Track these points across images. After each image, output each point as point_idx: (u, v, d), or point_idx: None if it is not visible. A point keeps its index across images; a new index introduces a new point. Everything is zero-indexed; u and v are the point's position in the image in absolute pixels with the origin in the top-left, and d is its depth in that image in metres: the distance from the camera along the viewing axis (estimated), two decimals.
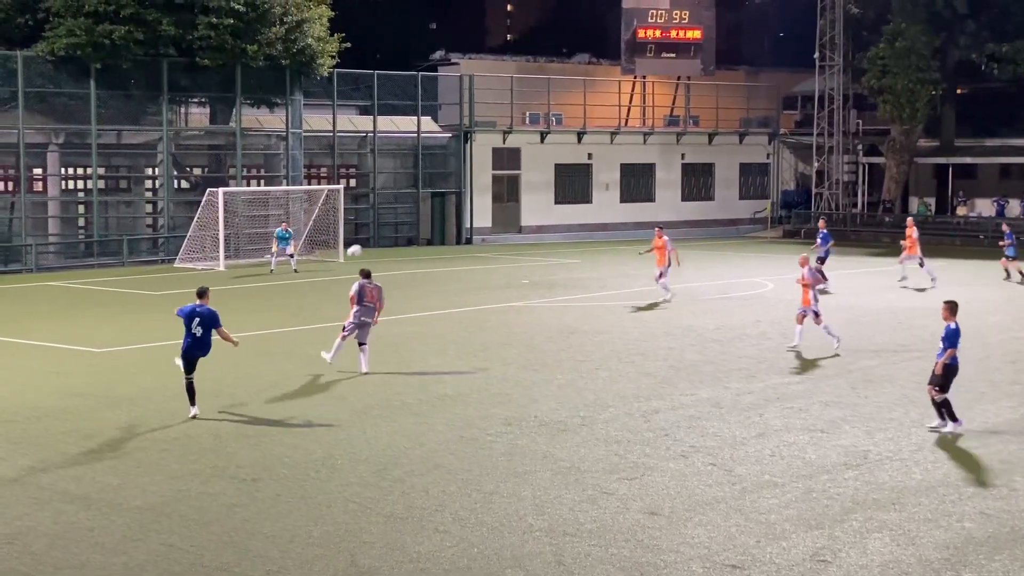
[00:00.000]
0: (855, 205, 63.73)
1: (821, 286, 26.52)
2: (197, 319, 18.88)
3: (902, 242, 38.81)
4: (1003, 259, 38.95)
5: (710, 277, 40.53)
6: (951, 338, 17.95)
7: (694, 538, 13.23)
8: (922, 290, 35.58)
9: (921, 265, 37.92)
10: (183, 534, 13.29)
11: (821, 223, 40.22)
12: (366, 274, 23.32)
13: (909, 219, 41.77)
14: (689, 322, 29.52)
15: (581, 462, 16.30)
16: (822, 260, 37.34)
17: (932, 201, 63.00)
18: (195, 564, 12.39)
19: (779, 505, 14.43)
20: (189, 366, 19.02)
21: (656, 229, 34.89)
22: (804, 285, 25.74)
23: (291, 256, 42.09)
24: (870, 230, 59.78)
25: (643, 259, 37.40)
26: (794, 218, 63.38)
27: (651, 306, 32.51)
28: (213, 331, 19.07)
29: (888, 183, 62.00)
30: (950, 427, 18.13)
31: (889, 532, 13.48)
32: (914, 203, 62.89)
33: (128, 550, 12.78)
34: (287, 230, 42.71)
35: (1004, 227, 40.24)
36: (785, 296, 35.06)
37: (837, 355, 24.78)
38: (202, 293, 19.29)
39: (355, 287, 23.00)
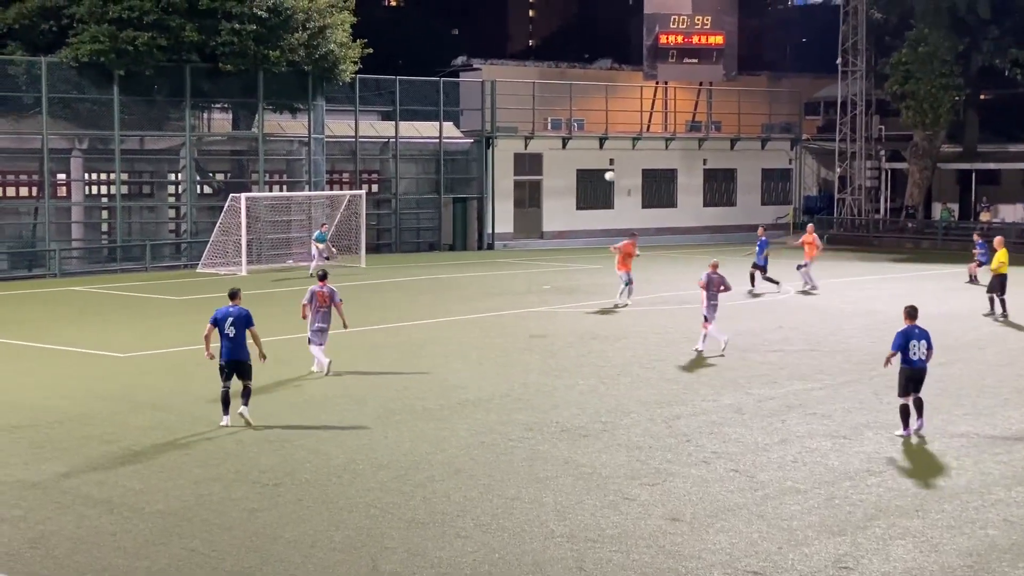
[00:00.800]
0: (878, 211, 63.50)
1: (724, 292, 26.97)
2: (230, 319, 18.87)
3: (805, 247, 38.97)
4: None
5: (731, 283, 40.29)
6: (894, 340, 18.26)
7: (716, 544, 13.19)
8: (807, 292, 36.78)
9: (799, 268, 38.38)
10: (205, 538, 13.32)
11: (760, 231, 39.77)
12: (320, 276, 23.61)
13: (810, 225, 41.71)
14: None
15: (603, 468, 16.28)
16: (762, 268, 37.78)
17: (955, 207, 62.71)
18: (217, 568, 12.41)
19: (801, 511, 14.38)
20: (226, 373, 18.90)
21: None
22: (702, 287, 26.38)
23: (327, 259, 42.19)
24: (892, 236, 59.56)
25: (667, 264, 37.38)
26: (816, 224, 63.07)
27: (671, 313, 32.46)
28: (247, 332, 19.02)
29: (911, 189, 61.75)
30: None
31: (912, 539, 13.42)
32: (937, 209, 62.63)
33: (150, 554, 12.81)
34: (325, 232, 43.09)
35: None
36: (808, 301, 34.99)
37: (723, 355, 25.23)
38: (234, 295, 19.40)
39: (308, 293, 23.18)
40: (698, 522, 13.96)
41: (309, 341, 23.30)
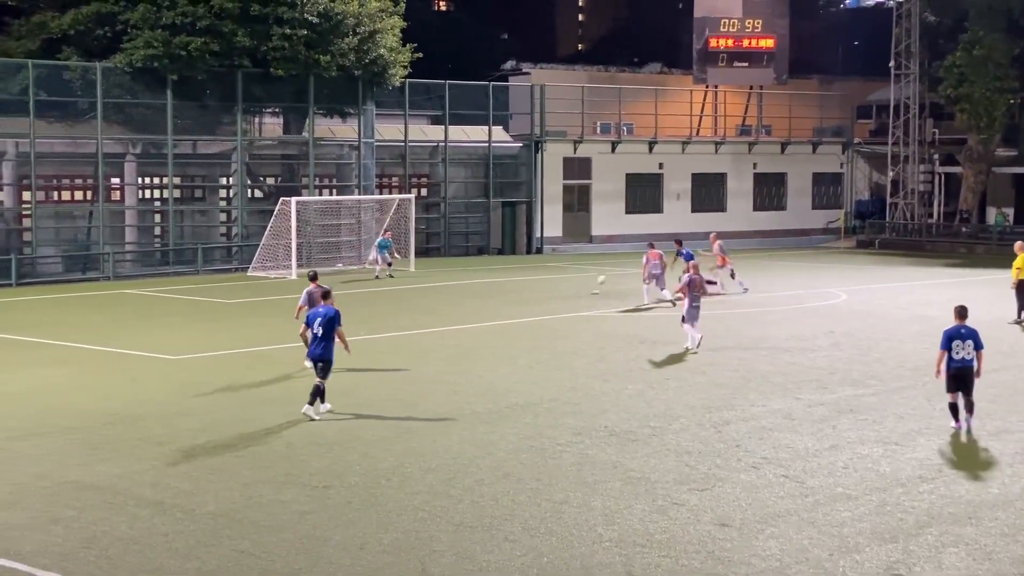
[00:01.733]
0: (931, 215, 62.95)
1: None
2: (319, 319, 19.71)
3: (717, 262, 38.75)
4: None
5: (782, 287, 40.24)
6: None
7: (766, 551, 13.13)
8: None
9: (732, 276, 38.29)
10: (255, 540, 13.41)
11: (676, 243, 38.92)
12: (312, 278, 24.40)
13: (713, 234, 41.22)
14: (760, 332, 29.32)
15: (651, 472, 16.24)
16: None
17: (1010, 211, 62.04)
18: (267, 570, 12.49)
19: (852, 518, 14.28)
20: (317, 368, 19.76)
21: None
22: (682, 291, 27.05)
23: (389, 264, 42.71)
24: (946, 241, 59.05)
25: (707, 269, 37.28)
26: (868, 228, 62.71)
27: (720, 317, 32.34)
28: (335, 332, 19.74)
29: (965, 193, 61.19)
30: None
31: (965, 547, 13.29)
32: (991, 213, 62.00)
33: (201, 555, 12.91)
34: (389, 238, 43.31)
35: None
36: (858, 307, 34.75)
37: (695, 353, 25.69)
38: (326, 295, 20.38)
39: (303, 295, 23.95)
40: (748, 528, 13.89)
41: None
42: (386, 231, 45.25)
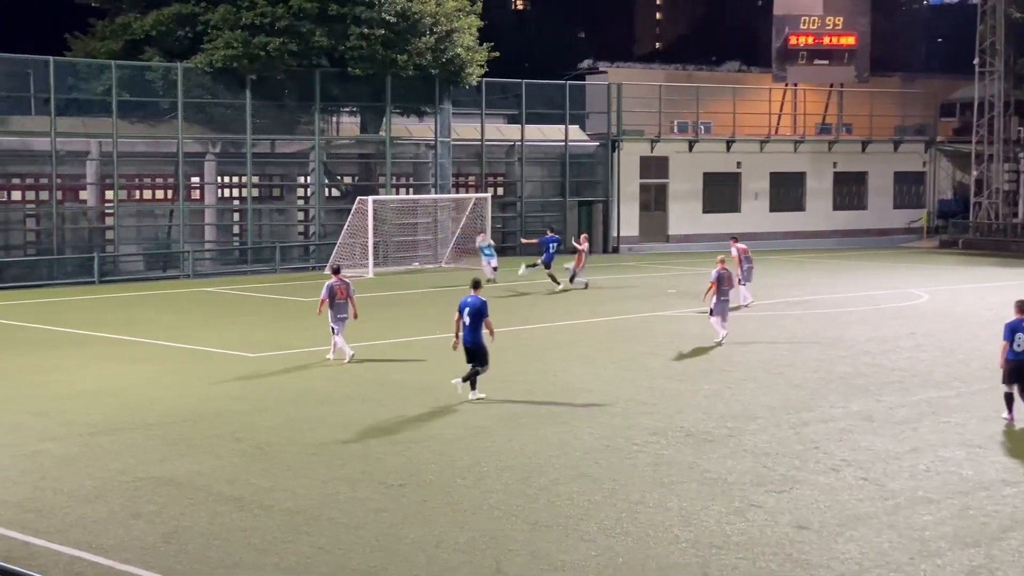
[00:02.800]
0: (1015, 215, 61.91)
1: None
2: (467, 308, 20.60)
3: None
4: None
5: (862, 288, 39.77)
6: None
7: (845, 554, 12.96)
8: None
9: (572, 279, 38.64)
10: (332, 537, 13.47)
11: (549, 231, 39.94)
12: (335, 271, 25.65)
13: (583, 236, 41.82)
14: (839, 333, 29.00)
15: (728, 474, 16.11)
16: (546, 264, 38.88)
17: None
18: (343, 567, 12.54)
19: (934, 522, 14.06)
20: (467, 355, 20.66)
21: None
22: (712, 285, 27.33)
23: (494, 269, 40.77)
24: None
25: (795, 268, 36.90)
26: (951, 228, 61.82)
27: (799, 317, 32.02)
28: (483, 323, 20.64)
29: None
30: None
31: None
32: None
33: (279, 551, 13.00)
34: (490, 244, 42.13)
35: None
36: (941, 308, 34.26)
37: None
38: (476, 284, 21.16)
39: (325, 288, 24.89)
40: (826, 531, 13.73)
41: (333, 331, 24.84)
42: (480, 233, 44.61)
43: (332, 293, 24.71)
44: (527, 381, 22.71)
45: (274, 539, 13.40)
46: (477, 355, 20.64)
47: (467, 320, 20.56)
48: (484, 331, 20.74)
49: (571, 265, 39.34)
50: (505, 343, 27.46)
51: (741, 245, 34.77)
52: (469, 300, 20.71)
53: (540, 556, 12.83)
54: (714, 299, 27.23)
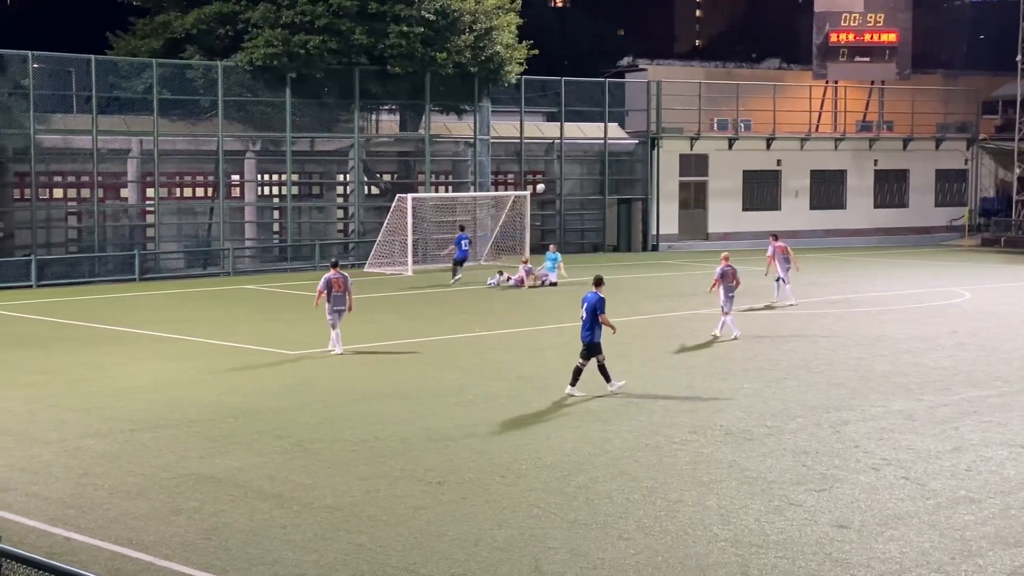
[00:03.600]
0: None
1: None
2: (585, 304, 21.12)
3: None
4: None
5: (903, 286, 39.52)
6: None
7: (885, 553, 12.88)
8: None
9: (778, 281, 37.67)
10: (371, 534, 13.51)
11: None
12: (333, 264, 26.49)
13: (524, 261, 41.50)
14: (880, 332, 28.83)
15: (768, 472, 16.04)
16: (459, 263, 40.99)
17: None
18: (383, 564, 12.57)
19: (975, 522, 13.95)
20: (584, 350, 21.07)
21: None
22: (717, 281, 27.92)
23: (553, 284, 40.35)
24: None
25: (836, 266, 36.70)
26: (993, 226, 61.31)
27: (839, 316, 31.84)
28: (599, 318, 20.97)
29: None
30: None
31: None
32: None
33: (319, 548, 13.04)
34: (555, 252, 41.59)
35: None
36: (983, 306, 34.00)
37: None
38: (597, 282, 21.46)
39: (323, 281, 25.72)
40: (867, 530, 13.65)
41: (332, 325, 25.57)
42: (551, 245, 43.39)
43: (329, 286, 25.49)
44: (566, 379, 22.67)
45: (314, 536, 13.45)
46: (592, 348, 21.04)
47: (583, 315, 21.17)
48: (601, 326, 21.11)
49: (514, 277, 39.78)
50: (544, 341, 27.50)
51: (780, 244, 34.40)
52: (588, 296, 21.19)
53: (579, 554, 12.82)
54: (722, 296, 27.64)
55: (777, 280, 34.36)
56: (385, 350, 26.43)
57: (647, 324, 30.49)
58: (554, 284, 39.92)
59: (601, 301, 21.06)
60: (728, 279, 27.67)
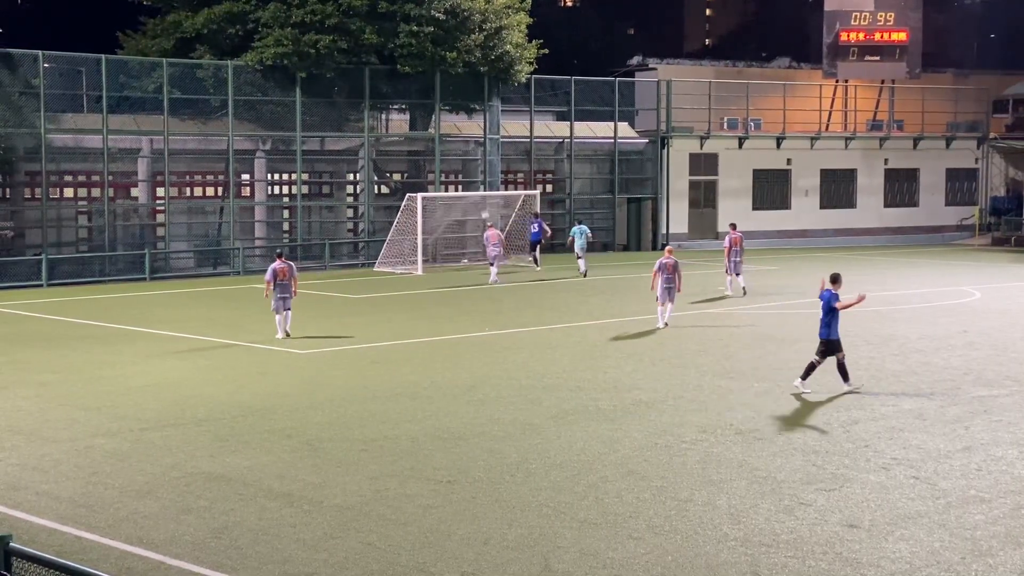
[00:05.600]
0: None
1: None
2: (822, 302, 21.43)
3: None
4: None
5: (913, 285, 39.45)
6: None
7: (895, 553, 12.86)
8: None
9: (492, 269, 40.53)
10: (381, 533, 13.52)
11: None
12: (279, 255, 28.57)
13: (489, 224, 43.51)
14: (891, 331, 28.78)
15: (777, 472, 16.02)
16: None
17: None
18: (392, 563, 12.58)
19: (986, 521, 13.93)
20: (821, 347, 21.36)
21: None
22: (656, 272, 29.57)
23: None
24: None
25: (846, 265, 36.63)
26: (1004, 225, 61.19)
27: (850, 315, 31.78)
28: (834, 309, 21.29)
29: None
30: None
31: None
32: None
33: (328, 547, 13.05)
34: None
35: None
36: (994, 306, 33.93)
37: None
38: (834, 279, 21.69)
39: (269, 271, 27.84)
40: (877, 529, 13.63)
41: (275, 311, 27.79)
42: (580, 221, 46.83)
43: (275, 275, 27.58)
44: (577, 378, 22.69)
45: (323, 535, 13.46)
46: (830, 345, 21.27)
47: (821, 313, 21.39)
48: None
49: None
50: (555, 340, 27.50)
51: (735, 235, 36.21)
52: (823, 294, 21.44)
53: (589, 554, 12.82)
54: (659, 288, 29.21)
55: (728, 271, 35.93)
56: (396, 349, 26.44)
57: (656, 323, 30.43)
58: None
59: (835, 298, 21.27)
60: (667, 270, 29.17)
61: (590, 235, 44.00)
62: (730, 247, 35.85)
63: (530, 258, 45.15)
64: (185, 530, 13.62)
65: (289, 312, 27.90)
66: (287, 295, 27.75)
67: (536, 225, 44.80)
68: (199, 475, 15.91)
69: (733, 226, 37.32)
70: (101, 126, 42.94)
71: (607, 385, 22.08)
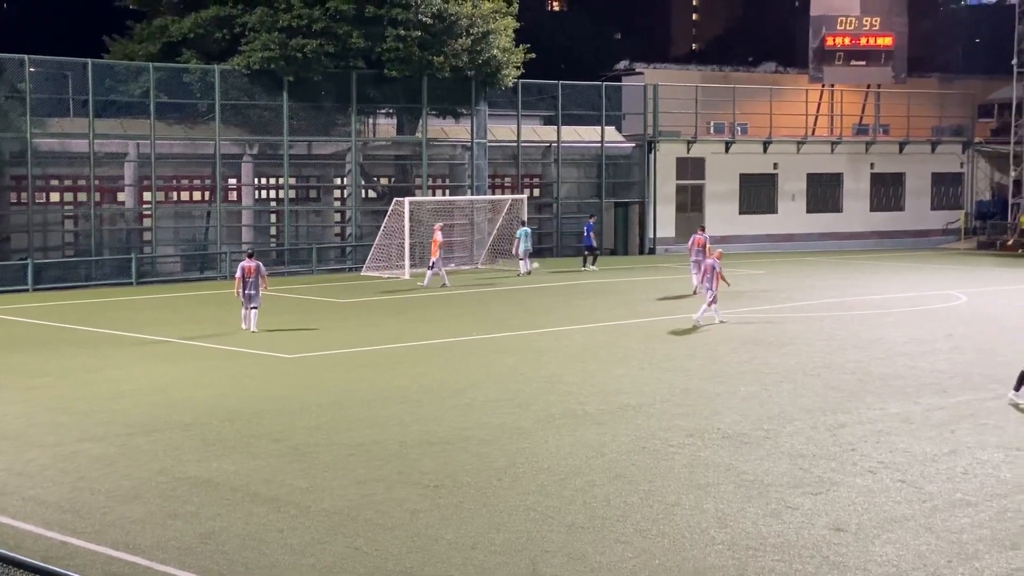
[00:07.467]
0: None
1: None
2: None
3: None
4: None
5: (899, 289, 39.55)
6: None
7: (882, 556, 12.89)
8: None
9: (431, 267, 40.78)
10: (368, 538, 13.51)
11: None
12: (249, 254, 30.14)
13: (437, 225, 42.99)
14: (878, 335, 28.85)
15: (765, 475, 16.05)
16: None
17: None
18: (380, 568, 12.57)
19: (972, 524, 13.97)
20: None
21: None
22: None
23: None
24: None
25: (833, 270, 36.73)
26: (989, 229, 61.38)
27: (836, 319, 31.87)
28: None
29: None
30: None
31: None
32: None
33: (316, 552, 13.04)
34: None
35: None
36: (979, 310, 34.03)
37: None
38: None
39: (239, 269, 29.45)
40: (863, 533, 13.66)
41: (243, 306, 29.31)
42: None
43: (244, 273, 29.08)
44: (565, 382, 22.70)
45: (311, 540, 13.45)
46: None
47: None
48: None
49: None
50: (544, 344, 27.52)
51: (700, 237, 37.89)
52: None
53: (576, 558, 12.82)
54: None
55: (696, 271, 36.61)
56: (383, 353, 26.43)
57: (644, 327, 30.49)
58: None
59: None
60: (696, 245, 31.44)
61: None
62: (691, 247, 37.86)
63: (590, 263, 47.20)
64: (172, 535, 13.59)
65: (255, 310, 29.14)
66: (254, 292, 29.08)
67: (588, 228, 47.56)
68: (186, 480, 15.88)
69: (701, 228, 39.64)
70: (87, 130, 42.86)
71: (595, 389, 22.09)
